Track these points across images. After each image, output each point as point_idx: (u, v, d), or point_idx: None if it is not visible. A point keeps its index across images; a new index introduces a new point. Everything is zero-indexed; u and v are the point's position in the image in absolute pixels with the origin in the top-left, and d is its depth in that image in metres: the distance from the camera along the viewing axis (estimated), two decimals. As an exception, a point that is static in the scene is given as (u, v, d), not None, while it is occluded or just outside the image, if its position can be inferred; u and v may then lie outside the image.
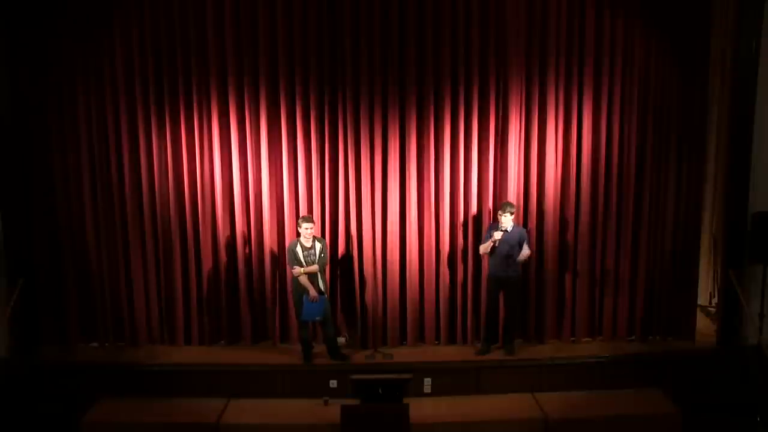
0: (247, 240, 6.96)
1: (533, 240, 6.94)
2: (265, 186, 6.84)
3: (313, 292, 6.41)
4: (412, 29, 6.62)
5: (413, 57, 6.66)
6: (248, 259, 6.99)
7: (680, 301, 7.10)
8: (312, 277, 6.44)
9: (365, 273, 6.93)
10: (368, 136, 6.76)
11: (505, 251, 6.52)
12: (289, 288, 6.78)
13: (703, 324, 7.34)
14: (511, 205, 6.54)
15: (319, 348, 6.81)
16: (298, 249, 6.43)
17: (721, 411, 6.23)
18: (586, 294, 7.07)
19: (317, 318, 6.53)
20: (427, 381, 6.52)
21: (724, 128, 7.11)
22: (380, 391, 6.39)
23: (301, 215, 6.70)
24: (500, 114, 6.82)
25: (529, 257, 6.73)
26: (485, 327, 6.83)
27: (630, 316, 7.11)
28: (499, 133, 6.84)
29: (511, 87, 6.74)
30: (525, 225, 6.95)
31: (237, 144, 6.80)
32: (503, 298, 6.75)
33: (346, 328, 7.11)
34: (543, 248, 6.98)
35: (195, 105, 6.73)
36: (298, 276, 6.40)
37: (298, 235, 6.51)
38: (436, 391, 6.51)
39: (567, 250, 7.02)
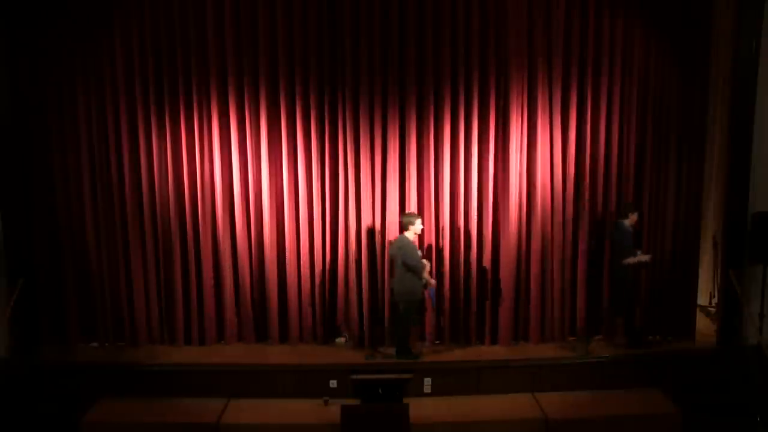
0: (247, 240, 6.96)
1: (537, 240, 6.93)
2: (265, 186, 6.84)
3: (433, 280, 6.57)
4: (412, 29, 6.63)
5: (413, 57, 6.66)
6: (248, 258, 6.98)
7: (680, 301, 7.10)
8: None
9: (365, 273, 6.92)
10: (368, 136, 6.76)
11: None
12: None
13: (703, 324, 7.35)
14: None
15: (321, 349, 6.78)
16: (415, 246, 6.52)
17: (721, 411, 6.22)
18: (587, 294, 7.07)
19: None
20: (427, 381, 6.52)
21: (724, 128, 7.11)
22: (380, 391, 6.39)
23: (409, 212, 6.67)
24: (500, 114, 6.82)
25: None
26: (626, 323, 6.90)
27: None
28: (500, 133, 6.84)
29: (511, 87, 6.74)
30: (528, 226, 6.94)
31: (237, 144, 6.81)
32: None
33: (345, 327, 7.11)
34: (545, 248, 6.97)
35: (195, 105, 6.73)
36: (425, 270, 6.49)
37: (399, 232, 6.56)
38: (436, 391, 6.51)
39: (568, 250, 7.00)
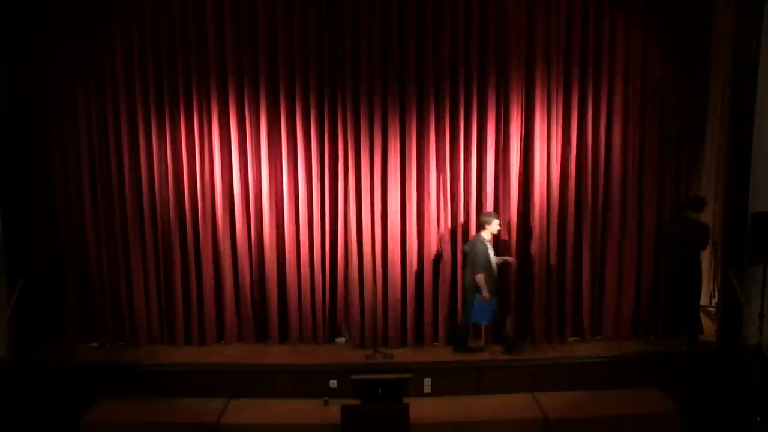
0: (247, 240, 6.96)
1: (536, 240, 6.93)
2: (265, 186, 6.84)
3: (486, 292, 6.44)
4: (412, 29, 6.62)
5: (413, 57, 6.66)
6: (248, 258, 6.98)
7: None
8: (491, 277, 6.50)
9: (365, 273, 6.92)
10: (368, 136, 6.76)
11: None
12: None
13: (704, 324, 7.33)
14: None
15: (321, 349, 6.75)
16: (488, 245, 6.50)
17: (721, 411, 6.22)
18: (588, 294, 7.07)
19: (485, 322, 6.61)
20: (427, 381, 6.52)
21: (724, 128, 7.11)
22: (380, 391, 6.39)
23: (488, 211, 6.70)
24: (500, 114, 6.81)
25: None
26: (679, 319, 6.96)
27: (635, 316, 7.09)
28: (500, 132, 6.84)
29: (511, 87, 6.74)
30: (527, 225, 6.94)
31: (237, 144, 6.81)
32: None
33: (345, 327, 7.11)
34: (546, 248, 6.96)
35: (195, 105, 6.73)
36: (480, 279, 6.44)
37: (477, 230, 6.61)
38: (436, 391, 6.50)
39: (569, 251, 7.00)
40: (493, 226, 6.56)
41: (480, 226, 6.61)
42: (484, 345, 6.90)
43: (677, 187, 6.97)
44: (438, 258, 6.98)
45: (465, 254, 6.72)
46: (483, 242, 6.52)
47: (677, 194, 6.98)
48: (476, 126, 6.80)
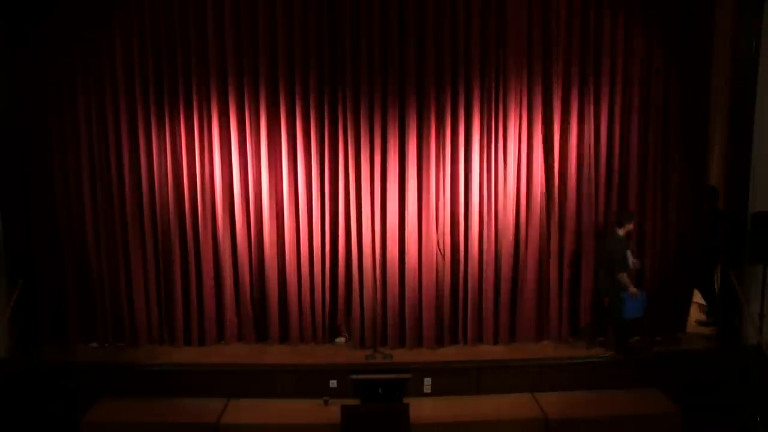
0: (246, 240, 6.96)
1: (536, 240, 6.93)
2: (265, 186, 6.84)
3: (634, 289, 6.51)
4: (412, 29, 6.63)
5: (413, 57, 6.66)
6: (248, 258, 6.98)
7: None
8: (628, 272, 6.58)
9: (365, 273, 6.91)
10: (368, 136, 6.76)
11: None
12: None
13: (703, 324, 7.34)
14: None
15: (321, 349, 6.75)
16: (625, 242, 6.58)
17: (721, 411, 6.22)
18: (589, 294, 7.06)
19: (640, 315, 6.62)
20: (427, 381, 6.52)
21: (724, 128, 7.10)
22: (380, 391, 6.40)
23: (627, 210, 6.75)
24: (501, 114, 6.81)
25: None
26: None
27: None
28: (500, 132, 6.83)
29: (511, 87, 6.75)
30: (526, 226, 6.93)
31: (237, 144, 6.81)
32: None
33: (345, 327, 7.11)
34: (547, 250, 6.96)
35: (195, 105, 6.73)
36: (624, 278, 6.50)
37: (610, 229, 6.72)
38: (436, 391, 6.51)
39: (569, 251, 7.00)
40: (628, 225, 6.63)
41: (618, 224, 6.64)
42: (641, 343, 6.89)
43: (679, 186, 6.95)
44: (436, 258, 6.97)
45: (604, 253, 6.72)
46: (620, 240, 6.58)
47: (680, 194, 6.96)
48: (477, 125, 6.79)
